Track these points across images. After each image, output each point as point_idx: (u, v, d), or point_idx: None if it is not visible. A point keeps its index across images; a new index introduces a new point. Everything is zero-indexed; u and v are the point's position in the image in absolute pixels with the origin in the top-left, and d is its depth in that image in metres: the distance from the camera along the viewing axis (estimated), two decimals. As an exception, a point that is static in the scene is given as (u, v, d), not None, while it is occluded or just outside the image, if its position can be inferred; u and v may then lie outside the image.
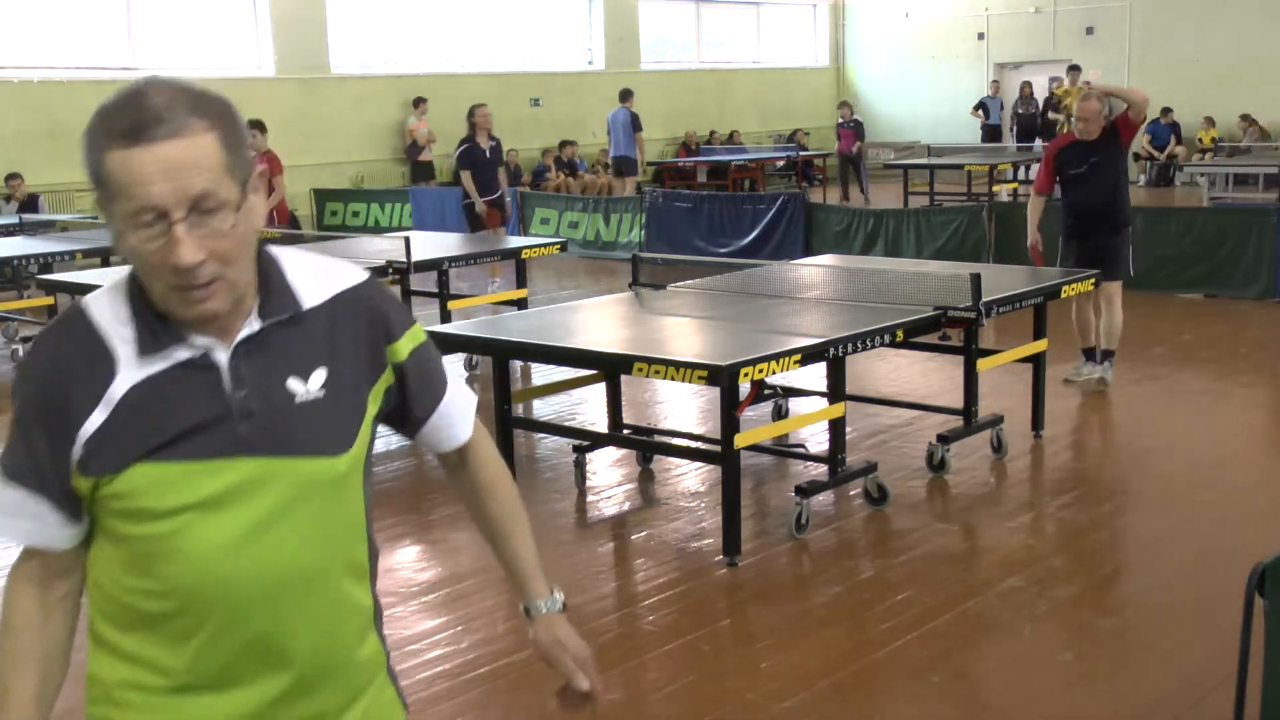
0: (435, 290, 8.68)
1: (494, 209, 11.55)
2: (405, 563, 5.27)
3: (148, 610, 1.64)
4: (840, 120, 20.44)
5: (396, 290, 9.20)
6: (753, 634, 4.43)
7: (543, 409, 7.63)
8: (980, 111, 22.34)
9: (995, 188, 17.41)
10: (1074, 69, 19.47)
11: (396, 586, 4.95)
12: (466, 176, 11.33)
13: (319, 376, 1.67)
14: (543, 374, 7.99)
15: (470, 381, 8.55)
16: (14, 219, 12.33)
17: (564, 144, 20.13)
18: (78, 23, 15.85)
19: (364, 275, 1.79)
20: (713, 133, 22.55)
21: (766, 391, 6.79)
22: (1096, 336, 7.62)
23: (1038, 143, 20.49)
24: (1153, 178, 20.70)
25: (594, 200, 15.27)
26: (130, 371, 1.59)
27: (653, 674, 4.17)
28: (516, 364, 8.01)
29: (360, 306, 1.74)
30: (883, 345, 5.40)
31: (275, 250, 1.72)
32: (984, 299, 5.61)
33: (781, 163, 22.14)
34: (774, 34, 25.04)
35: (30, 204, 13.84)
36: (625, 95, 18.24)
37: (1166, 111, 20.54)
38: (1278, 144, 19.03)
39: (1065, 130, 18.56)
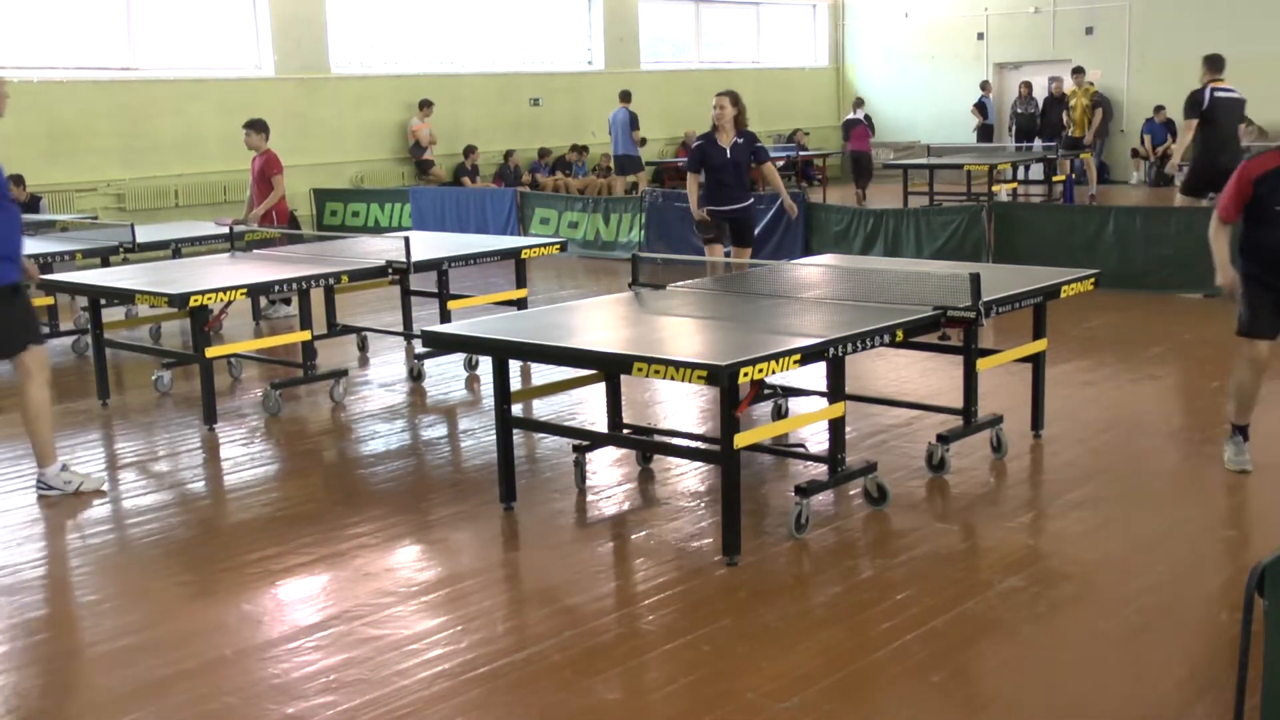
0: (435, 290, 8.68)
1: (708, 217, 8.91)
2: (405, 563, 5.27)
3: None
4: (858, 116, 20.36)
5: (396, 290, 9.22)
6: (753, 634, 4.43)
7: (543, 409, 7.63)
8: (978, 111, 22.37)
9: (995, 188, 17.42)
10: (1078, 71, 19.47)
11: (396, 586, 4.95)
12: (692, 181, 8.94)
13: None
14: (543, 374, 7.99)
15: (470, 381, 8.56)
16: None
17: (572, 147, 20.24)
18: (78, 23, 15.86)
19: None
20: (712, 132, 22.55)
21: (766, 391, 6.80)
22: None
23: (1037, 142, 20.50)
24: (1151, 177, 20.72)
25: (594, 200, 15.28)
26: None
27: (653, 674, 4.17)
28: (516, 364, 8.01)
29: None
30: (882, 345, 5.40)
31: None
32: (984, 299, 5.61)
33: (781, 162, 22.15)
34: (774, 34, 25.04)
35: (31, 205, 13.84)
36: (625, 96, 18.54)
37: (1159, 109, 20.55)
38: (1277, 144, 19.01)
39: (1073, 132, 18.61)
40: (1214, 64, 11.66)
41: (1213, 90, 11.47)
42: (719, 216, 8.95)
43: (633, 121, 18.34)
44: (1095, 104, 18.71)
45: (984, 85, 22.67)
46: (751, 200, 9.15)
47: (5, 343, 6.14)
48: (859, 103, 21.15)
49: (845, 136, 20.71)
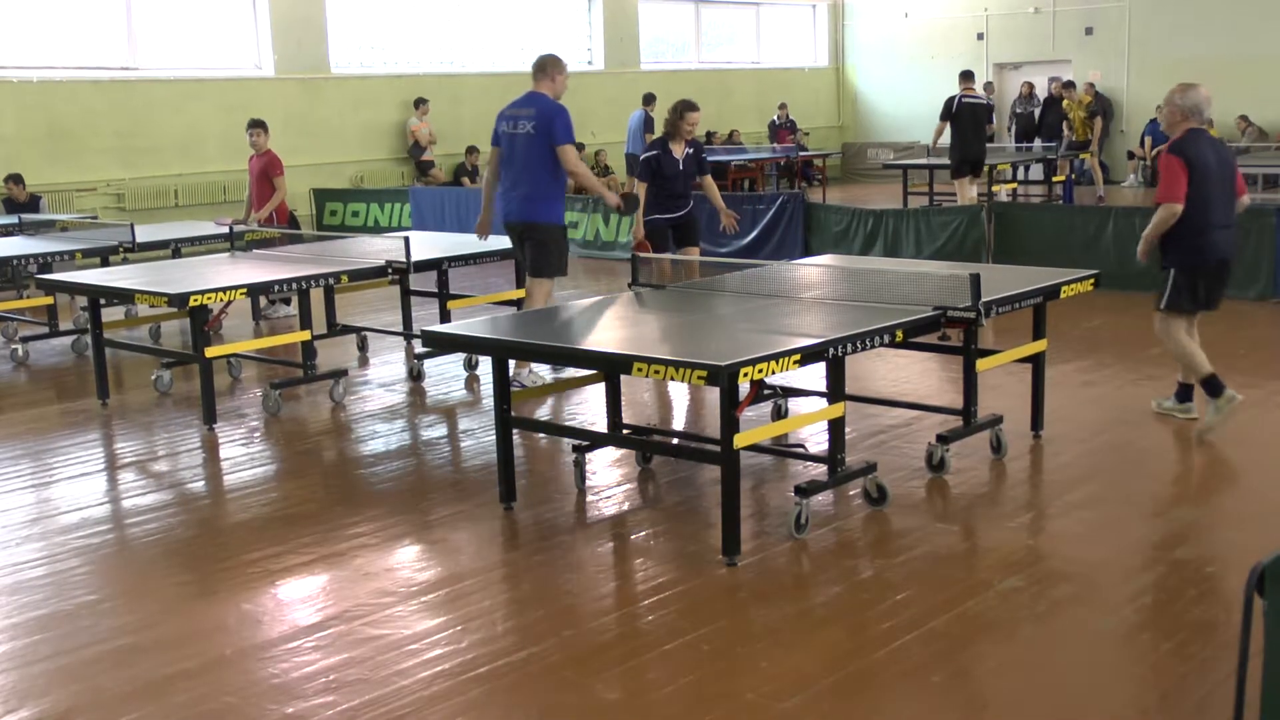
0: (435, 290, 8.68)
1: (647, 241, 8.82)
2: (405, 563, 5.27)
3: None
4: (780, 120, 22.39)
5: (396, 290, 9.22)
6: (753, 634, 4.43)
7: (543, 409, 7.63)
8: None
9: (995, 188, 17.41)
10: (1069, 85, 19.46)
11: (396, 586, 4.95)
12: (642, 190, 8.96)
13: None
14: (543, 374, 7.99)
15: (470, 381, 8.56)
16: (13, 219, 12.33)
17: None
18: (78, 23, 15.86)
19: None
20: (712, 133, 22.56)
21: (766, 391, 6.79)
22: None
23: (1037, 142, 20.49)
24: (1148, 178, 20.72)
25: (594, 200, 15.26)
26: None
27: (653, 674, 4.17)
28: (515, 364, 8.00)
29: None
30: (882, 345, 5.40)
31: None
32: (983, 299, 5.61)
33: (782, 162, 22.13)
34: (774, 34, 25.04)
35: (31, 205, 13.84)
36: (647, 99, 18.60)
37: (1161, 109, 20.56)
38: (1277, 144, 19.03)
39: (1076, 136, 18.65)
40: (966, 76, 15.25)
41: (962, 97, 14.74)
42: (665, 223, 9.06)
43: (648, 125, 18.37)
44: (1092, 113, 18.70)
45: (987, 87, 22.67)
46: (693, 204, 9.31)
47: (542, 266, 7.89)
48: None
49: (778, 138, 22.02)
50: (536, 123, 7.79)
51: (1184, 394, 6.95)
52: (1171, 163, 6.47)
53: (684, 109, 9.12)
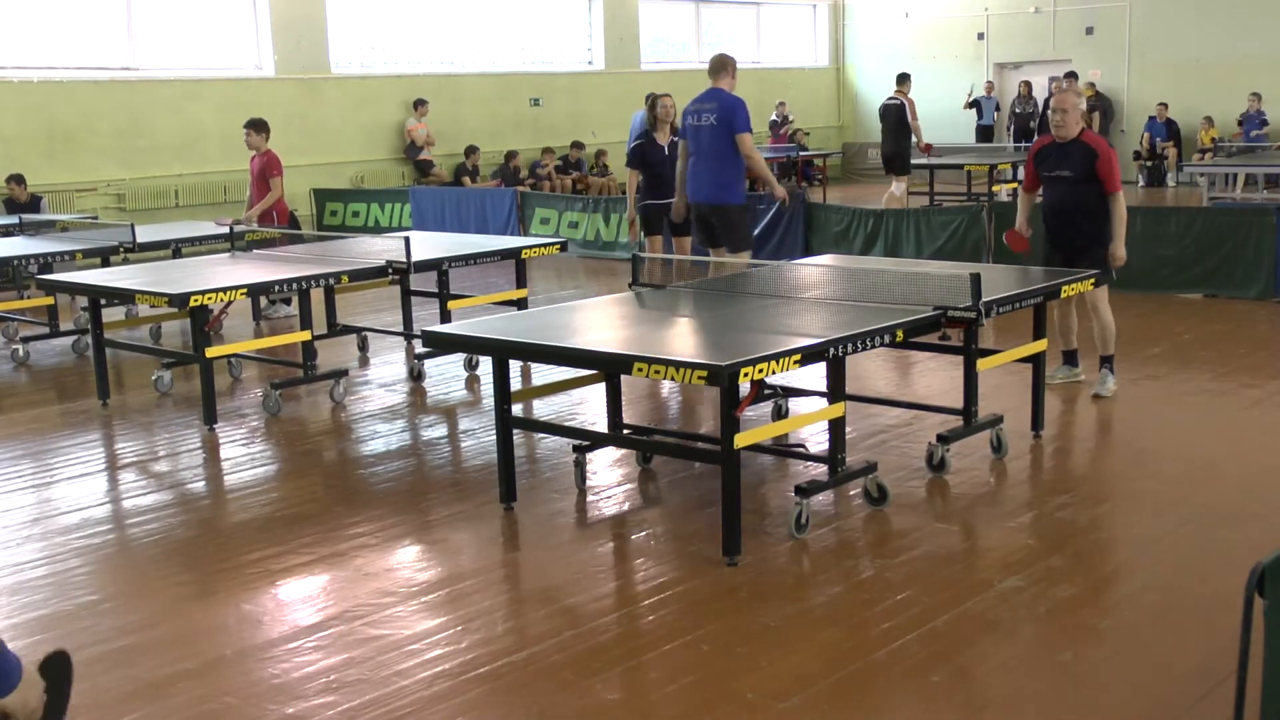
0: (435, 290, 8.68)
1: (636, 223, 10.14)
2: (405, 563, 5.27)
3: None
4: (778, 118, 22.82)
5: (396, 290, 9.22)
6: (752, 634, 4.43)
7: (543, 409, 7.63)
8: (974, 108, 22.39)
9: (995, 187, 17.42)
10: (1072, 75, 19.56)
11: (396, 586, 4.95)
12: (632, 178, 10.17)
13: None
14: (543, 374, 7.99)
15: (470, 381, 8.56)
16: (14, 219, 12.33)
17: (573, 145, 20.19)
18: (78, 23, 15.86)
19: None
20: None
21: (766, 391, 6.80)
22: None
23: (1036, 142, 20.47)
24: (1147, 178, 20.72)
25: (594, 200, 15.28)
26: None
27: (653, 674, 4.17)
28: (516, 364, 8.01)
29: None
30: (883, 345, 5.40)
31: None
32: (984, 299, 5.61)
33: (783, 160, 22.12)
34: (774, 34, 25.04)
35: (31, 205, 13.84)
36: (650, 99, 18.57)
37: (1162, 106, 20.56)
38: (1278, 144, 19.02)
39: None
40: (898, 80, 15.98)
41: (885, 101, 15.83)
42: (657, 209, 9.90)
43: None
44: (1091, 108, 18.74)
45: (988, 85, 22.69)
46: None
47: (736, 242, 8.74)
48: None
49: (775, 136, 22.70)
50: (719, 115, 8.61)
51: (1071, 359, 7.79)
52: (1113, 154, 7.18)
53: (654, 98, 10.20)
